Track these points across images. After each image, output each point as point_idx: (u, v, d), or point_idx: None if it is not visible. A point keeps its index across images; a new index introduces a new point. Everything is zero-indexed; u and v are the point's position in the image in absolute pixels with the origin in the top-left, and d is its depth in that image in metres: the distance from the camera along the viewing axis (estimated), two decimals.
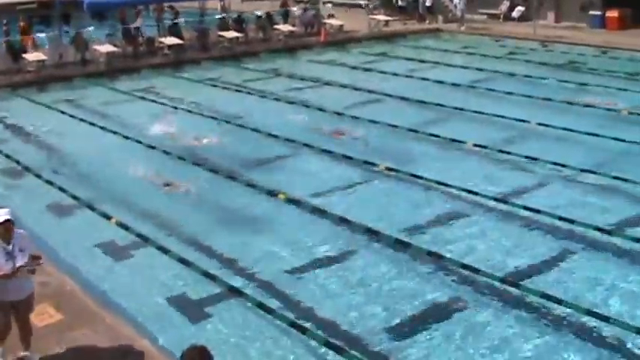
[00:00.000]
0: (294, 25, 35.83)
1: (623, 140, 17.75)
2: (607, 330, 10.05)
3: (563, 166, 16.21)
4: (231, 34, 32.80)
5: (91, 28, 31.46)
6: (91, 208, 14.81)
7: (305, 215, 14.24)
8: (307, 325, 10.30)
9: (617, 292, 11.17)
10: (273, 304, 10.86)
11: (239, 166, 16.90)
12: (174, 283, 11.69)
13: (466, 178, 15.65)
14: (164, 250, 12.68)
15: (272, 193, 15.14)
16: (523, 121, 19.84)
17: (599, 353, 9.64)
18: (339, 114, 21.54)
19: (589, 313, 10.39)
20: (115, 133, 20.11)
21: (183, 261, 12.22)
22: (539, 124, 19.47)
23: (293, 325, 10.28)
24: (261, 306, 10.76)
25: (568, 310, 10.51)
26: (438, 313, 10.70)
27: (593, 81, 24.79)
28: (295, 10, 37.41)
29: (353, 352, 9.57)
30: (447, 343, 9.96)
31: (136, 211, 14.67)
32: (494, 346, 9.88)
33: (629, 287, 11.28)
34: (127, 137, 19.64)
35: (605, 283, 11.42)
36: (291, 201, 14.76)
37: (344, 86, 25.37)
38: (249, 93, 24.78)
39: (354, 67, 28.94)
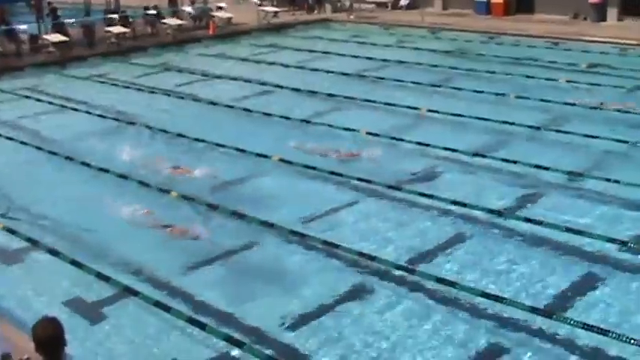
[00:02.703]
0: (182, 19, 35.36)
1: (512, 123, 18.13)
2: (502, 310, 10.18)
3: (454, 150, 16.43)
4: (118, 29, 32.14)
5: None
6: None
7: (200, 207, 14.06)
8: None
9: (510, 273, 11.34)
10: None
11: (129, 166, 16.47)
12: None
13: (359, 166, 15.67)
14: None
15: (163, 190, 14.82)
16: (414, 108, 20.05)
17: (495, 333, 9.76)
18: (230, 107, 21.32)
19: (483, 294, 10.52)
20: None
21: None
22: (430, 111, 19.72)
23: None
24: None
25: (462, 292, 10.61)
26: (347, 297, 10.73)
27: (480, 66, 25.22)
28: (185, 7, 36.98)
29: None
30: (350, 332, 9.96)
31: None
32: (391, 332, 9.90)
33: (521, 268, 11.47)
34: (10, 138, 18.99)
35: (498, 265, 11.60)
36: (184, 197, 14.52)
37: (234, 79, 25.16)
38: (138, 89, 24.32)
39: (244, 60, 28.76)
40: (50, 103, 22.82)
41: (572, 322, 9.71)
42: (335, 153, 16.44)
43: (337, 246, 12.13)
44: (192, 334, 9.88)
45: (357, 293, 10.90)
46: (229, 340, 9.59)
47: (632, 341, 9.19)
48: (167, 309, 10.34)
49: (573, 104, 19.84)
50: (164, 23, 34.12)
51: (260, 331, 9.93)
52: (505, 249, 12.13)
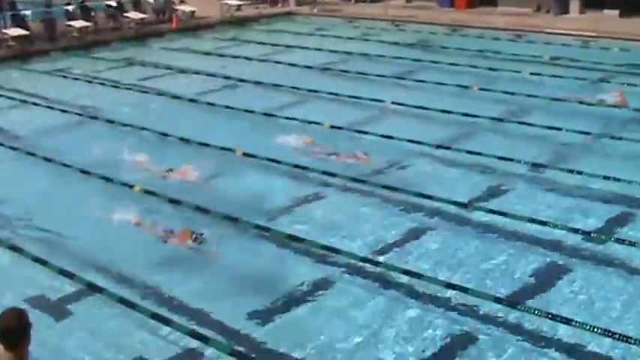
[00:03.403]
0: (145, 13, 35.07)
1: (476, 116, 18.22)
2: (466, 301, 10.21)
3: (418, 143, 16.46)
4: (80, 23, 31.80)
5: None
6: None
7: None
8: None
9: (475, 264, 11.39)
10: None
11: (92, 161, 16.29)
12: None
13: (324, 160, 15.64)
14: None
15: (127, 185, 14.67)
16: (378, 100, 20.07)
17: (461, 323, 9.79)
18: (193, 101, 21.20)
19: (448, 286, 10.55)
20: None
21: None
22: (394, 103, 19.76)
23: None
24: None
25: (428, 284, 10.63)
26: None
27: (444, 59, 25.30)
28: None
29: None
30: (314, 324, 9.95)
31: None
32: (355, 323, 9.91)
33: (485, 259, 11.52)
34: None
35: (462, 256, 11.65)
36: (146, 192, 14.38)
37: (198, 73, 25.01)
38: (101, 83, 24.06)
39: (207, 53, 28.60)
40: (11, 98, 22.50)
41: (536, 312, 9.76)
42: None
43: (302, 240, 12.09)
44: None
45: (322, 286, 10.88)
46: (195, 335, 9.54)
47: (595, 330, 9.26)
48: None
49: (536, 96, 19.95)
50: (127, 17, 33.83)
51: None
52: (470, 240, 12.17)
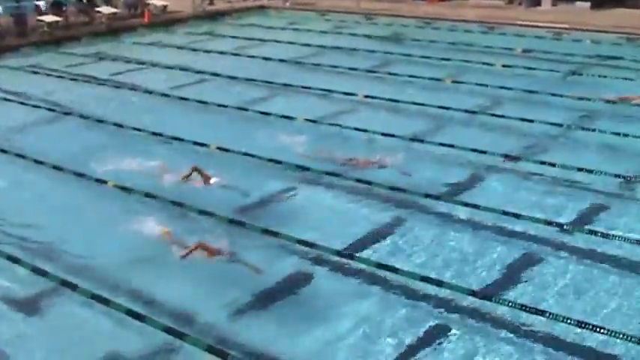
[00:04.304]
0: (116, 7, 34.84)
1: (448, 108, 18.30)
2: (441, 293, 10.26)
3: (392, 136, 16.49)
4: (51, 18, 31.54)
5: None
6: None
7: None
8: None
9: (448, 257, 11.44)
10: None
11: (65, 156, 16.17)
12: None
13: (298, 153, 15.64)
14: None
15: (100, 181, 14.59)
16: (351, 93, 20.10)
17: (435, 316, 9.85)
18: (166, 95, 21.10)
19: (423, 279, 10.57)
20: None
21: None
22: (367, 96, 19.79)
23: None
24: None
25: (403, 278, 10.66)
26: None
27: (417, 52, 25.37)
28: None
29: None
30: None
31: None
32: (328, 316, 9.95)
33: (459, 252, 11.59)
34: None
35: (436, 249, 11.69)
36: (121, 187, 14.32)
37: (171, 67, 24.88)
38: (72, 79, 23.89)
39: (180, 48, 28.45)
40: None
41: (510, 303, 9.82)
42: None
43: (277, 234, 12.07)
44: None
45: (297, 277, 10.92)
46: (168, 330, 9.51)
47: (569, 321, 9.33)
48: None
49: (509, 88, 20.06)
50: (98, 12, 33.59)
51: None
52: (443, 233, 12.22)
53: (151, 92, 21.60)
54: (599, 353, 9.02)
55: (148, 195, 13.73)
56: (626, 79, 21.18)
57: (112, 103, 20.71)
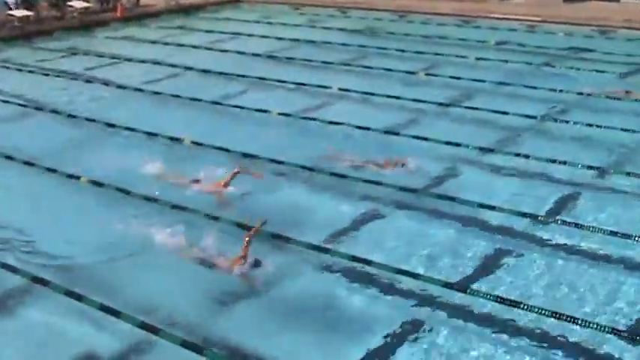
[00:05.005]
0: (89, 2, 34.58)
1: (423, 101, 18.34)
2: (414, 285, 10.26)
3: (367, 129, 16.48)
4: (21, 12, 31.26)
5: None
6: None
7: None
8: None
9: (424, 249, 11.41)
10: None
11: (37, 152, 16.01)
12: None
13: (273, 146, 15.58)
14: None
15: (73, 176, 14.44)
16: (325, 87, 20.09)
17: (411, 309, 9.83)
18: (139, 90, 20.97)
19: (399, 272, 10.55)
20: None
21: None
22: (341, 90, 19.77)
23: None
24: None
25: (377, 270, 10.64)
26: None
27: (391, 45, 25.40)
28: None
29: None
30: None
31: None
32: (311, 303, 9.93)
33: (434, 245, 11.56)
34: None
35: (411, 242, 11.68)
36: (95, 183, 14.19)
37: (144, 62, 24.73)
38: (44, 74, 23.67)
39: (153, 42, 28.25)
40: None
41: (485, 295, 9.83)
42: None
43: (249, 228, 12.00)
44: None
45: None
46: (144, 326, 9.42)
47: (544, 312, 9.34)
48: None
49: (483, 81, 20.13)
50: (70, 6, 33.31)
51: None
52: (419, 226, 12.20)
53: (124, 87, 21.45)
54: (579, 346, 8.99)
55: (120, 190, 13.61)
56: (598, 71, 21.31)
57: (84, 98, 20.53)
